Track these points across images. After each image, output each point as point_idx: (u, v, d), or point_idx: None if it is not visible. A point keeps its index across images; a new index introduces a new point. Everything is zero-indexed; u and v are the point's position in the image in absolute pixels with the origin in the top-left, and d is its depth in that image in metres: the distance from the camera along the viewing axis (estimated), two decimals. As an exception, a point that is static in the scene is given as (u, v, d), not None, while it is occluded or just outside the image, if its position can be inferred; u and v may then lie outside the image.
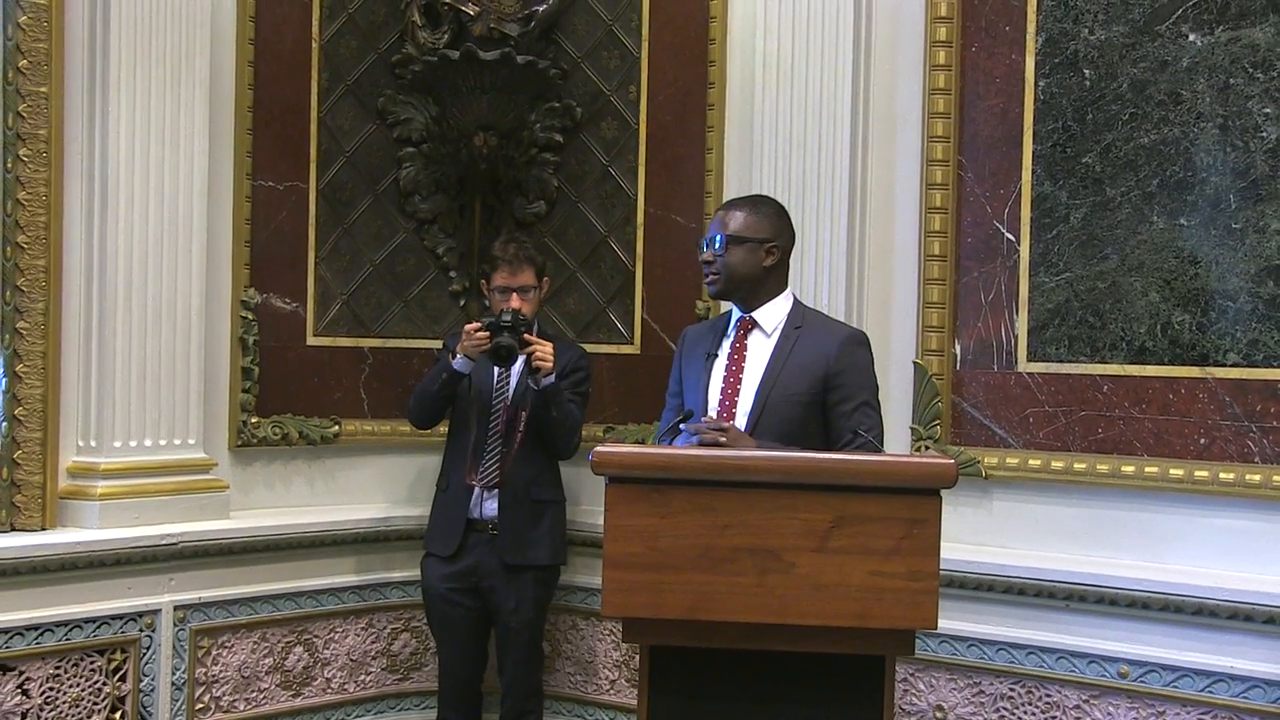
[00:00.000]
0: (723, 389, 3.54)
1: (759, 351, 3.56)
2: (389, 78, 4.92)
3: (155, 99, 4.27)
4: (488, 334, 4.25)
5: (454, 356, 4.38)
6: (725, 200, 3.95)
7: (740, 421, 3.48)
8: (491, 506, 4.42)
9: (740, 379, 3.53)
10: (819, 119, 4.35)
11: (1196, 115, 3.90)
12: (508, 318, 4.26)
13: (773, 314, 3.59)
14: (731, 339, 3.60)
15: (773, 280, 3.61)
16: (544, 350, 4.25)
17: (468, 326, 4.34)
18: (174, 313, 4.35)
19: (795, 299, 3.68)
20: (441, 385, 4.41)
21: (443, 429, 4.64)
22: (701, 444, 3.35)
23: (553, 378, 4.30)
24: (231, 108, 4.59)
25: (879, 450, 3.52)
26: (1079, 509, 4.09)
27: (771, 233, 3.59)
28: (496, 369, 4.42)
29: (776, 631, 2.89)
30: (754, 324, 3.59)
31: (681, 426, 3.44)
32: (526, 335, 4.25)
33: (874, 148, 4.40)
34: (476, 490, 4.42)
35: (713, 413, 3.52)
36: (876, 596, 2.85)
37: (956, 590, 4.00)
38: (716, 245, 3.54)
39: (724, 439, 3.34)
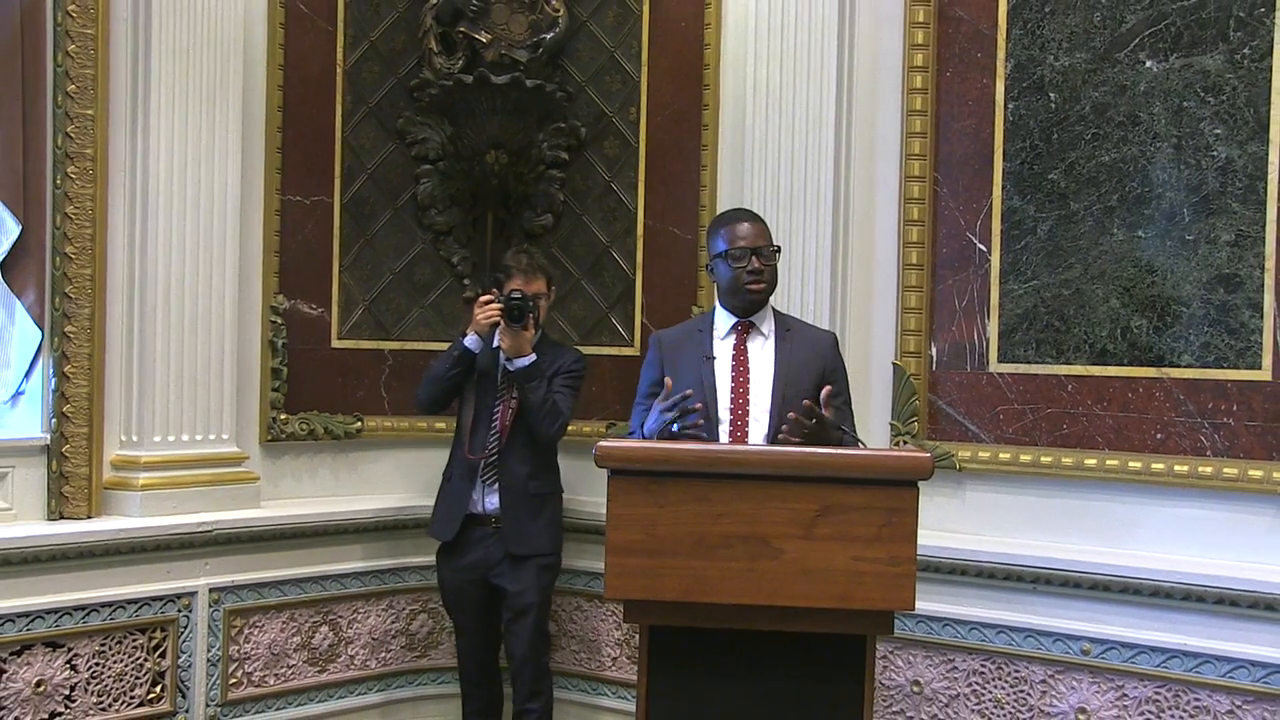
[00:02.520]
0: (732, 388, 3.53)
1: (761, 353, 3.57)
2: (408, 100, 4.93)
3: (192, 120, 4.29)
4: (499, 305, 4.27)
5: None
6: (728, 211, 3.86)
7: (759, 417, 3.48)
8: (493, 501, 4.41)
9: (748, 378, 3.53)
10: (805, 138, 4.36)
11: (1153, 136, 3.91)
12: (517, 295, 4.28)
13: (767, 319, 3.62)
14: (733, 342, 3.59)
15: None
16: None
17: (480, 299, 4.35)
18: (209, 317, 4.36)
19: (772, 305, 3.70)
20: (453, 364, 4.39)
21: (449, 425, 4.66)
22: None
23: (522, 361, 4.28)
24: (262, 128, 4.61)
25: (860, 446, 3.55)
26: (1045, 499, 4.10)
27: None
28: (500, 355, 4.40)
29: (766, 612, 2.92)
30: (752, 327, 3.60)
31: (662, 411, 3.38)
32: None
33: (856, 165, 4.40)
34: (479, 485, 4.42)
35: (724, 411, 3.50)
36: (858, 580, 2.88)
37: (932, 574, 4.00)
38: (766, 254, 3.55)
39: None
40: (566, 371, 4.44)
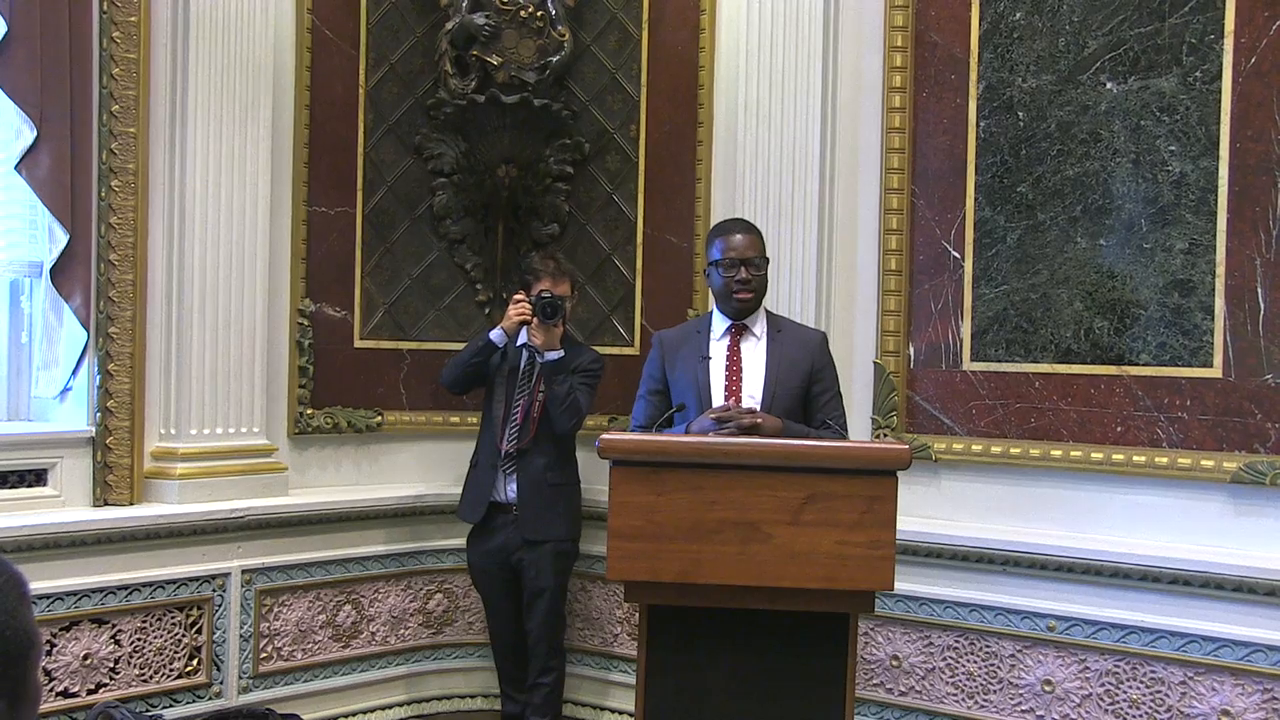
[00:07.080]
0: (726, 386, 3.54)
1: (753, 353, 3.57)
2: (425, 118, 4.94)
3: (226, 137, 4.32)
4: (529, 304, 4.29)
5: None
6: (725, 221, 3.81)
7: None
8: (513, 490, 4.42)
9: (741, 376, 3.54)
10: (792, 153, 4.37)
11: (1113, 151, 3.93)
12: (547, 294, 4.30)
13: (759, 320, 3.62)
14: (726, 343, 3.59)
15: None
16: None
17: (514, 298, 4.38)
18: (241, 319, 4.39)
19: (765, 307, 3.71)
20: (475, 352, 4.43)
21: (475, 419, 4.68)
22: (739, 429, 3.29)
23: (553, 355, 4.31)
24: (290, 144, 4.63)
25: (846, 436, 3.57)
26: (1014, 487, 4.11)
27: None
28: (525, 352, 4.42)
29: (756, 593, 2.94)
30: (745, 329, 3.61)
31: (710, 420, 3.37)
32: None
33: (839, 178, 4.40)
34: (500, 475, 4.43)
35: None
36: (842, 563, 2.90)
37: (910, 557, 4.01)
38: (757, 266, 3.55)
39: (759, 420, 3.34)
40: (585, 370, 4.45)
